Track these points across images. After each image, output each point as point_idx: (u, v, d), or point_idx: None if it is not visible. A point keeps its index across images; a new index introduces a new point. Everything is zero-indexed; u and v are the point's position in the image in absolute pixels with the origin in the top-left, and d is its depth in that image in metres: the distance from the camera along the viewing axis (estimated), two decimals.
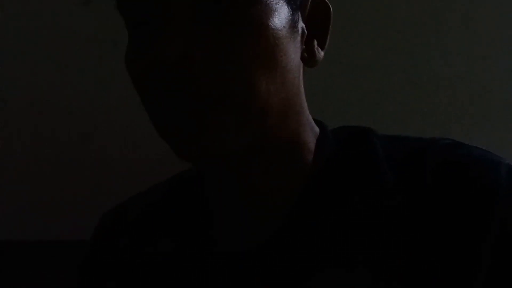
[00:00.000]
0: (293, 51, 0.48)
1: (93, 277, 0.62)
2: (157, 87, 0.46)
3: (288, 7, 0.48)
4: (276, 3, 0.46)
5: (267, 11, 0.46)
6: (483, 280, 0.45)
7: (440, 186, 0.48)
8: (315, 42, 0.52)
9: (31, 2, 0.92)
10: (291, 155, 0.51)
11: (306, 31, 0.51)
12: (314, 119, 0.55)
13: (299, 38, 0.50)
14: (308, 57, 0.51)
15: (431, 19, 0.91)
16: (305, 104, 0.53)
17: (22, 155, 0.93)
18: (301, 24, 0.50)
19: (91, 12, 0.91)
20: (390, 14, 0.91)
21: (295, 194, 0.51)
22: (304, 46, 0.51)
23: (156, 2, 0.45)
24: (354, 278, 0.47)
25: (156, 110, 0.48)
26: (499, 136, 0.91)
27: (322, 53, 0.52)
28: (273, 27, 0.46)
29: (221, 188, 0.54)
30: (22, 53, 0.93)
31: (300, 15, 0.50)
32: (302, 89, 0.53)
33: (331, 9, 0.53)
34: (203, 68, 0.44)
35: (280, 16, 0.47)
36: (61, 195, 0.91)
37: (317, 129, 0.55)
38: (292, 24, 0.48)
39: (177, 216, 0.57)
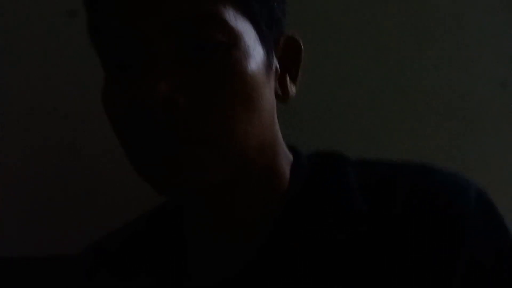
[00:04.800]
0: (268, 92, 0.51)
1: None
2: (137, 128, 0.47)
3: (263, 49, 0.50)
4: (252, 49, 0.48)
5: (245, 57, 0.47)
6: None
7: (411, 215, 0.50)
8: (288, 78, 0.55)
9: (17, 14, 0.92)
10: (267, 184, 0.54)
11: (279, 69, 0.54)
12: (288, 145, 0.57)
13: (273, 76, 0.52)
14: (281, 94, 0.54)
15: (420, 27, 0.92)
16: (279, 134, 0.56)
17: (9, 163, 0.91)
18: (275, 62, 0.53)
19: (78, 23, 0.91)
20: (379, 23, 0.92)
21: (270, 223, 0.53)
22: (278, 84, 0.54)
23: (141, 46, 0.46)
24: None
25: (135, 150, 0.49)
26: (486, 142, 0.92)
27: (294, 89, 0.55)
28: (250, 73, 0.48)
29: (198, 222, 0.56)
30: (9, 64, 0.92)
31: (274, 53, 0.52)
32: (276, 122, 0.55)
33: (302, 46, 0.56)
34: (186, 112, 0.46)
35: (257, 61, 0.49)
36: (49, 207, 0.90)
37: (291, 157, 0.57)
38: (268, 65, 0.51)
39: (155, 251, 0.58)
